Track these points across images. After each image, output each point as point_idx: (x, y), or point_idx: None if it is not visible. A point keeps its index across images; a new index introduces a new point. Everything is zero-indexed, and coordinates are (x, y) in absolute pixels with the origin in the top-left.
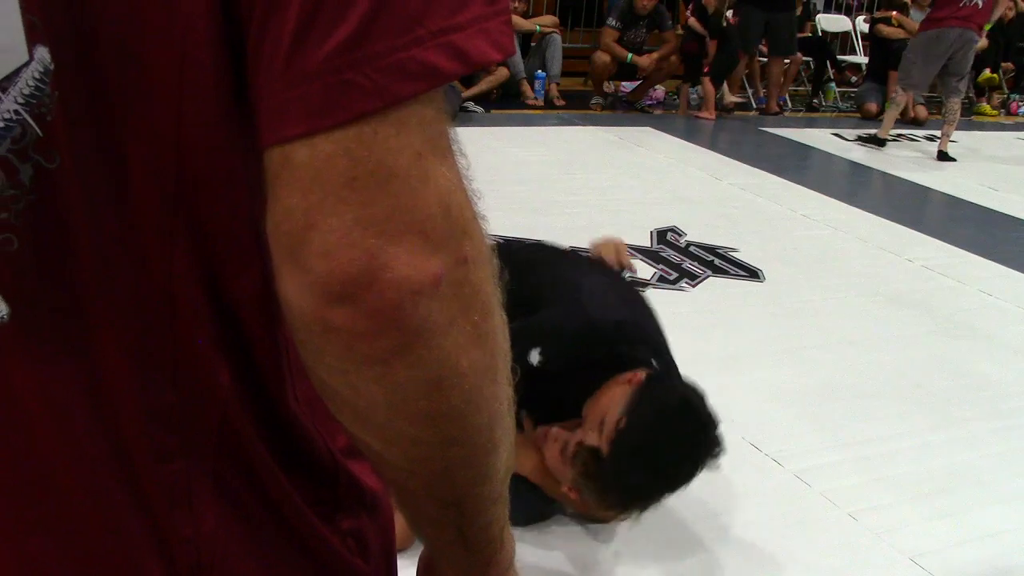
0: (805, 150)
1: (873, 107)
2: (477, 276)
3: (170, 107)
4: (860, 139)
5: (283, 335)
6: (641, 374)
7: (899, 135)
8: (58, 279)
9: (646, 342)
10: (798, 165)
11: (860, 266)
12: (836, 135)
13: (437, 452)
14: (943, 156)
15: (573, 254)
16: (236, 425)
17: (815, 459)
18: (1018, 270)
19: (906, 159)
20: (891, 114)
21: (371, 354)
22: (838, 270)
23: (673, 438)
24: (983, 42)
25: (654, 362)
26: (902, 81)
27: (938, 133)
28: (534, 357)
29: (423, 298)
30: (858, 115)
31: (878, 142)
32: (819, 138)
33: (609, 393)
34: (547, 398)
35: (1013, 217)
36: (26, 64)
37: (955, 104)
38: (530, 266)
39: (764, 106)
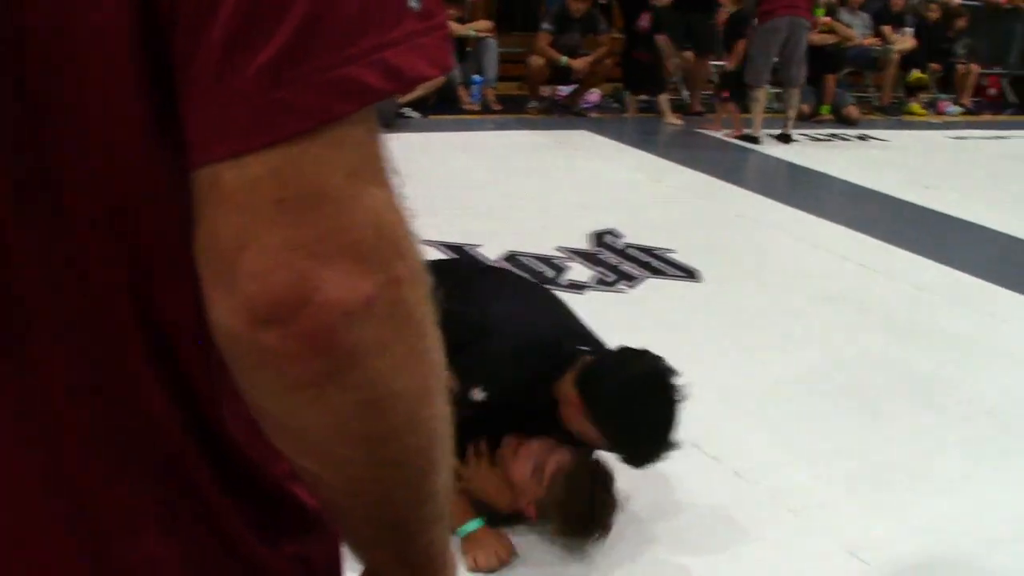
0: (741, 151)
1: (806, 108)
2: (411, 296)
3: (94, 125)
4: (737, 136)
5: (219, 358)
6: (573, 394)
7: (832, 135)
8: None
9: (582, 339)
10: (734, 166)
11: (796, 265)
12: (771, 135)
13: (375, 474)
14: (784, 138)
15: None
16: (175, 449)
17: (756, 457)
18: (950, 265)
19: (840, 159)
20: (758, 111)
21: (304, 377)
22: (775, 269)
23: (645, 409)
24: (910, 42)
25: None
26: (751, 79)
27: (871, 132)
28: (477, 395)
29: (356, 320)
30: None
31: (751, 139)
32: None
33: (567, 410)
34: (501, 422)
35: (945, 214)
36: None
37: (795, 93)
38: (463, 289)
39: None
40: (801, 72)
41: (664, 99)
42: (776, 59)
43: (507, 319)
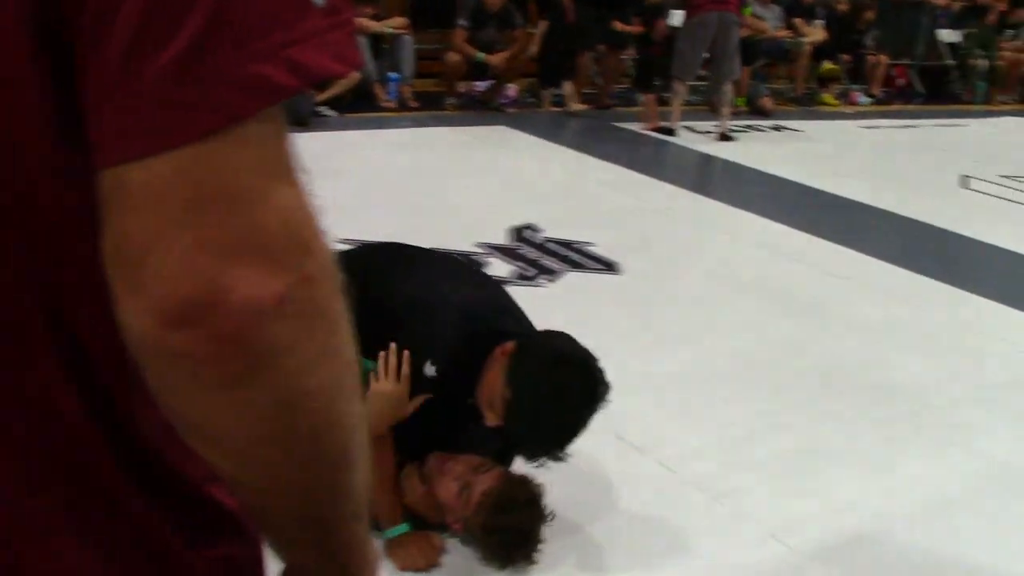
0: (658, 144)
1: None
2: (322, 294)
3: None
4: (655, 129)
5: (133, 362)
6: (510, 344)
7: (748, 126)
8: None
9: (514, 316)
10: (651, 159)
11: (714, 254)
12: (687, 127)
13: (292, 472)
14: (724, 138)
15: (426, 252)
16: (93, 456)
17: (678, 446)
18: (863, 252)
19: (756, 150)
20: (677, 104)
21: (217, 378)
22: (692, 260)
23: (562, 388)
24: (821, 34)
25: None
26: (676, 72)
27: (785, 123)
28: (429, 370)
29: (267, 319)
30: (707, 108)
31: (667, 132)
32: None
33: (490, 373)
34: (440, 424)
35: (857, 201)
36: None
37: (728, 88)
38: (392, 270)
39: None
40: (733, 67)
41: (570, 86)
42: (707, 54)
43: (448, 294)
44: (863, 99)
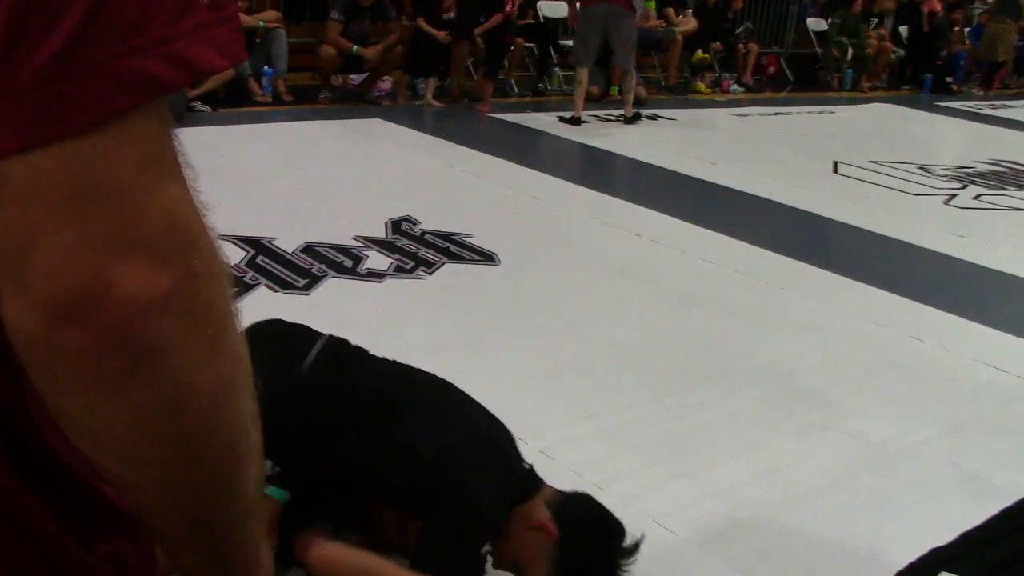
0: (533, 134)
1: (595, 89)
2: (209, 290)
3: None
4: (561, 119)
5: (16, 357)
6: (552, 526)
7: (622, 115)
8: None
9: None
10: (527, 149)
11: (591, 243)
12: (563, 118)
13: (180, 472)
14: (628, 120)
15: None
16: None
17: (559, 433)
18: (736, 237)
19: (629, 138)
20: (579, 92)
21: (102, 375)
22: (570, 249)
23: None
24: (692, 23)
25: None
26: (575, 60)
27: (659, 112)
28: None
29: (152, 315)
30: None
31: (574, 121)
32: (546, 122)
33: (523, 542)
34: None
35: (729, 188)
36: None
37: (629, 77)
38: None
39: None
40: (626, 58)
41: (432, 82)
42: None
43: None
44: (735, 87)
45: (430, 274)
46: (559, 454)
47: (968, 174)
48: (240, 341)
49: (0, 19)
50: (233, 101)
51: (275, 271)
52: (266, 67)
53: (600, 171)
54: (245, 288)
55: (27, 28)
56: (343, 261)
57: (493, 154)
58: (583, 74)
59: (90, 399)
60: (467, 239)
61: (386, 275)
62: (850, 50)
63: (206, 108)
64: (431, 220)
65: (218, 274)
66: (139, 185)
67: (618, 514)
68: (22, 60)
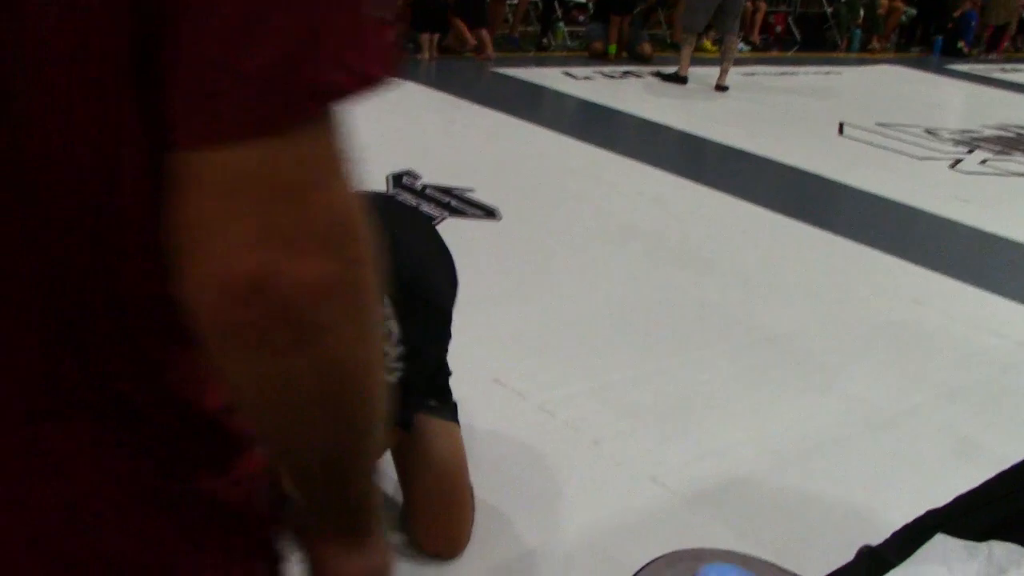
0: (537, 89)
1: (599, 45)
2: (364, 279)
3: (63, 95)
4: (659, 76)
5: (169, 321)
6: None
7: (627, 72)
8: None
9: None
10: (531, 104)
11: (593, 201)
12: (567, 74)
13: (329, 433)
14: (720, 88)
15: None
16: (120, 387)
17: (558, 391)
18: (738, 197)
19: (634, 96)
20: (686, 52)
21: (269, 347)
22: (572, 206)
23: None
24: None
25: None
26: (685, 23)
27: (665, 70)
28: None
29: (318, 299)
30: (586, 54)
31: (680, 80)
32: (550, 77)
33: None
34: None
35: (733, 148)
36: None
37: (732, 40)
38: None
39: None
40: (734, 22)
41: (431, 37)
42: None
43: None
44: (742, 46)
45: None
46: (558, 411)
47: (975, 138)
48: (380, 323)
49: (221, 21)
50: None
51: None
52: None
53: (603, 128)
54: None
55: (246, 33)
56: None
57: (497, 109)
58: (693, 38)
59: (255, 365)
60: (468, 193)
61: None
62: (861, 11)
63: None
64: (432, 174)
65: (372, 264)
66: (315, 183)
67: (615, 471)
68: (231, 63)
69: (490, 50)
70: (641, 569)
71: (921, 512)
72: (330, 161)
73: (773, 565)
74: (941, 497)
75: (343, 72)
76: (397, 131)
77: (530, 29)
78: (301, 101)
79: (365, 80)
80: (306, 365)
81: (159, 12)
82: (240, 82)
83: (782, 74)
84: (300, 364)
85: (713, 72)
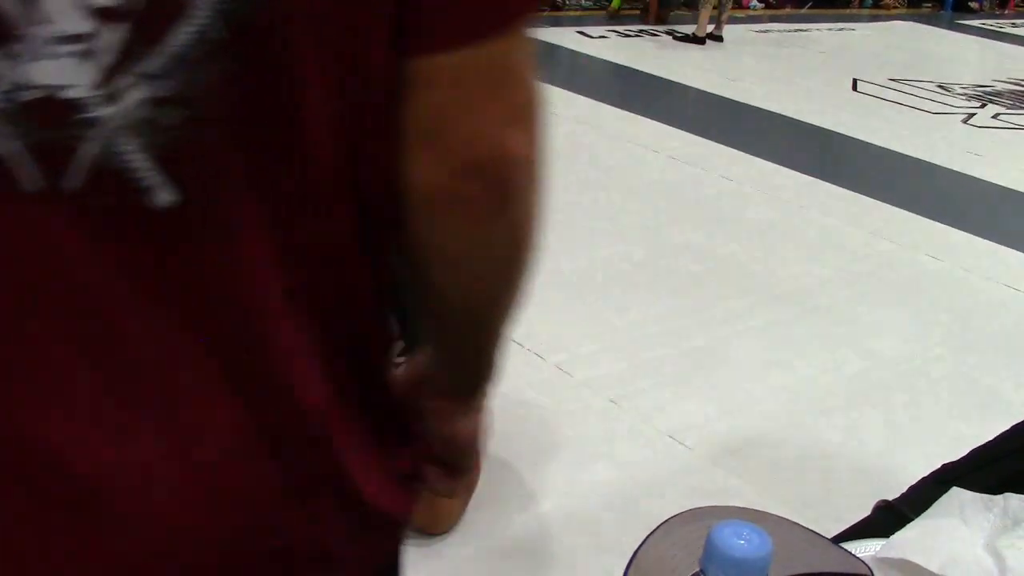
0: (551, 48)
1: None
2: (543, 155)
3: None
4: (676, 37)
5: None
6: None
7: (642, 31)
8: (226, 174)
9: None
10: (544, 62)
11: (609, 160)
12: (581, 32)
13: (503, 290)
14: (715, 38)
15: None
16: (362, 304)
17: (574, 350)
18: (753, 154)
19: (649, 55)
20: (704, 13)
21: (482, 214)
22: (588, 163)
23: None
24: None
25: None
26: None
27: (680, 28)
28: None
29: (522, 168)
30: (603, 12)
31: (698, 40)
32: (565, 36)
33: None
34: None
35: (748, 105)
36: None
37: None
38: None
39: None
40: None
41: None
42: None
43: None
44: (755, 3)
45: None
46: (576, 370)
47: (987, 93)
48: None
49: None
50: None
51: None
52: None
53: (618, 86)
54: None
55: None
56: None
57: None
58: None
59: (467, 232)
60: None
61: None
62: None
63: None
64: None
65: (545, 142)
66: (528, 76)
67: (633, 429)
68: None
69: None
70: (658, 527)
71: (937, 466)
72: (531, 56)
73: (790, 521)
74: (959, 450)
75: None
76: None
77: None
78: (522, 9)
79: (538, 5)
80: (503, 228)
81: None
82: None
83: (795, 31)
84: (500, 228)
85: (730, 31)
